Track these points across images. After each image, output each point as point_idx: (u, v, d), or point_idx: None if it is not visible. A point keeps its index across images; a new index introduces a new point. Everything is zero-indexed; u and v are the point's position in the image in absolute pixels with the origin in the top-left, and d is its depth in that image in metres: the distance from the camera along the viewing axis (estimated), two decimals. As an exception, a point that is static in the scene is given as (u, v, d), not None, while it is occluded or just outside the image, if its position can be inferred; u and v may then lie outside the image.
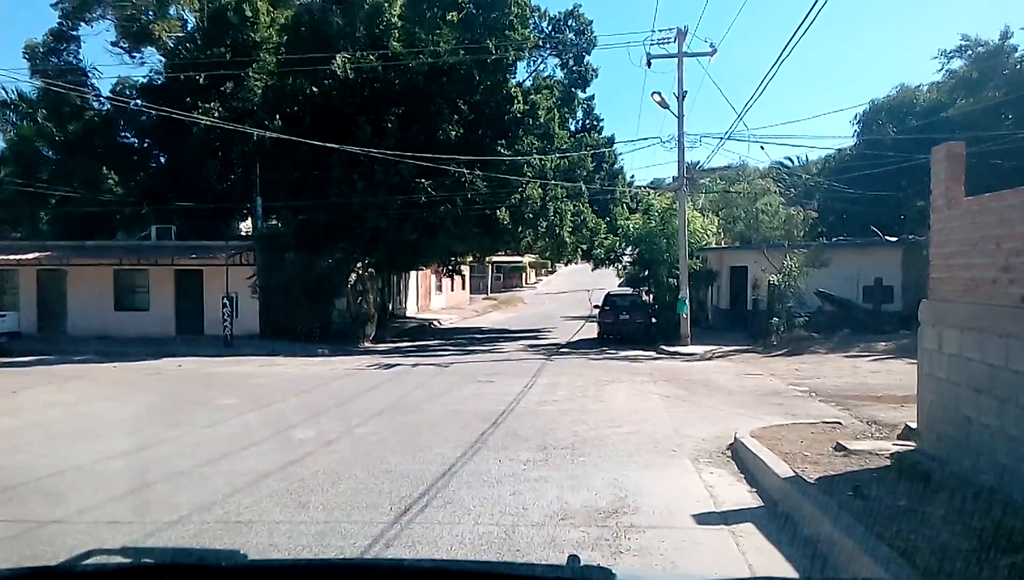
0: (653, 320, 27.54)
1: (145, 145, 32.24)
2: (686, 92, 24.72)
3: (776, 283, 23.53)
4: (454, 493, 6.81)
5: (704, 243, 29.59)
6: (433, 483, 7.15)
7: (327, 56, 26.27)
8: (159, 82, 29.81)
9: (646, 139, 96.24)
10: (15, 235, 30.45)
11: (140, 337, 25.89)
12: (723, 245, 30.74)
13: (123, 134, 31.88)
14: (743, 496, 6.71)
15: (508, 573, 2.34)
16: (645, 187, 37.54)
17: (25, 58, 29.17)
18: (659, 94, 24.98)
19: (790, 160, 43.94)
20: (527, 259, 65.68)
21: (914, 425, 8.05)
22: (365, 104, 27.00)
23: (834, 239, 29.47)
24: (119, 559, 1.97)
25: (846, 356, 20.16)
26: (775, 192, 26.08)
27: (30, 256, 26.87)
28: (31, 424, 11.49)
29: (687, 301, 24.41)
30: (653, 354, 22.59)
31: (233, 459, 8.57)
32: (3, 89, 31.04)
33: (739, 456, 8.09)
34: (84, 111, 30.43)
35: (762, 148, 47.31)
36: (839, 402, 12.59)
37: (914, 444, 7.54)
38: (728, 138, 25.94)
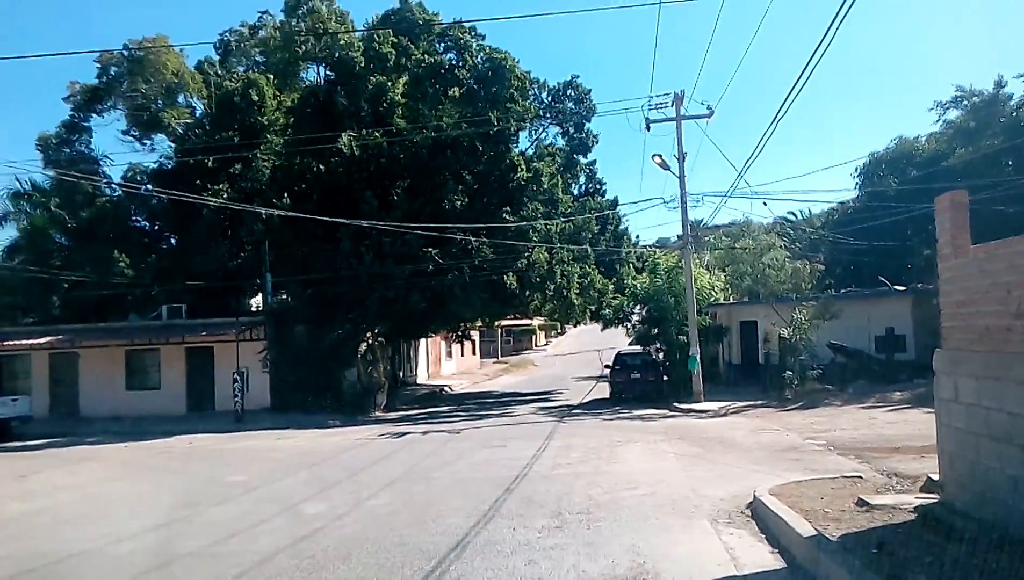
0: (665, 378, 27.35)
1: (156, 228, 32.89)
2: (686, 153, 25.06)
3: (787, 337, 23.37)
4: (467, 565, 6.65)
5: (712, 299, 29.54)
6: (446, 555, 6.99)
7: (333, 135, 26.88)
8: (169, 167, 30.54)
9: (649, 200, 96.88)
10: (27, 320, 30.73)
11: (152, 415, 25.87)
12: (731, 301, 30.66)
13: (134, 218, 32.55)
14: (765, 558, 6.51)
15: None
16: (651, 247, 37.79)
17: (38, 149, 30.05)
18: (660, 156, 25.26)
19: (793, 215, 44.15)
20: (536, 322, 65.63)
21: (936, 477, 7.86)
22: (371, 179, 27.48)
23: (842, 291, 29.38)
24: None
25: (862, 407, 19.89)
26: (781, 247, 26.11)
27: (42, 340, 27.08)
28: (40, 509, 11.36)
29: (698, 358, 24.24)
30: (666, 412, 22.33)
31: (243, 537, 8.43)
32: (17, 180, 31.86)
33: (759, 515, 7.89)
34: (96, 198, 31.13)
35: (765, 204, 47.65)
36: (858, 455, 12.35)
37: (937, 497, 7.35)
38: (730, 196, 26.18)
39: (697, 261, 28.71)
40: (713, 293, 29.58)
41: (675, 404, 23.35)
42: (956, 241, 7.12)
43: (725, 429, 17.34)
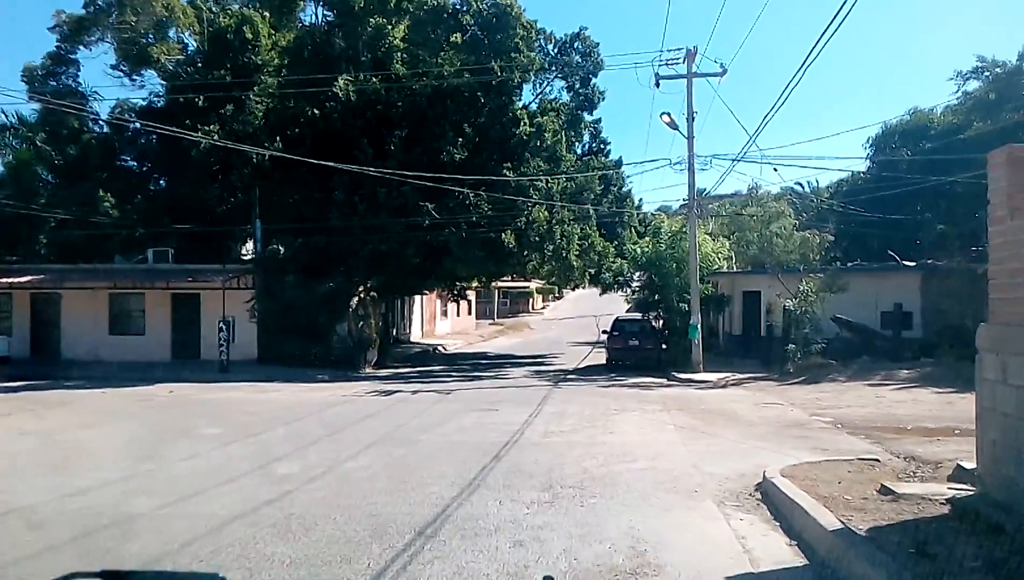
0: (663, 346, 26.67)
1: (144, 169, 31.74)
2: (696, 112, 24.07)
3: (792, 308, 22.62)
4: (445, 544, 5.91)
5: (715, 267, 28.73)
6: (422, 530, 6.24)
7: (329, 78, 25.74)
8: (159, 105, 29.30)
9: (655, 160, 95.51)
10: (11, 259, 29.78)
11: (135, 362, 25.13)
12: (735, 269, 29.86)
13: (122, 158, 31.40)
14: (782, 551, 5.77)
15: None
16: (654, 213, 36.82)
17: (23, 81, 28.75)
18: (668, 115, 24.39)
19: (800, 185, 43.17)
20: (533, 284, 65.02)
21: (967, 464, 7.14)
22: (368, 126, 26.38)
23: (849, 264, 28.58)
24: None
25: (867, 384, 19.21)
26: (789, 215, 25.22)
27: (23, 279, 26.19)
28: (-4, 456, 10.64)
29: (699, 326, 23.51)
30: (664, 381, 21.68)
31: (202, 498, 7.69)
32: (3, 113, 30.63)
33: (770, 499, 7.17)
34: (82, 134, 29.93)
35: (775, 170, 46.51)
36: (868, 435, 11.66)
37: (973, 488, 6.62)
38: (740, 160, 25.08)
39: (701, 228, 27.81)
40: (717, 261, 28.75)
41: (673, 373, 22.68)
42: (1012, 201, 6.25)
43: (726, 401, 16.66)
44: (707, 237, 29.44)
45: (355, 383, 22.12)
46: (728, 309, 29.44)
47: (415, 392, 19.44)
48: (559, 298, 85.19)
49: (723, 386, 20.28)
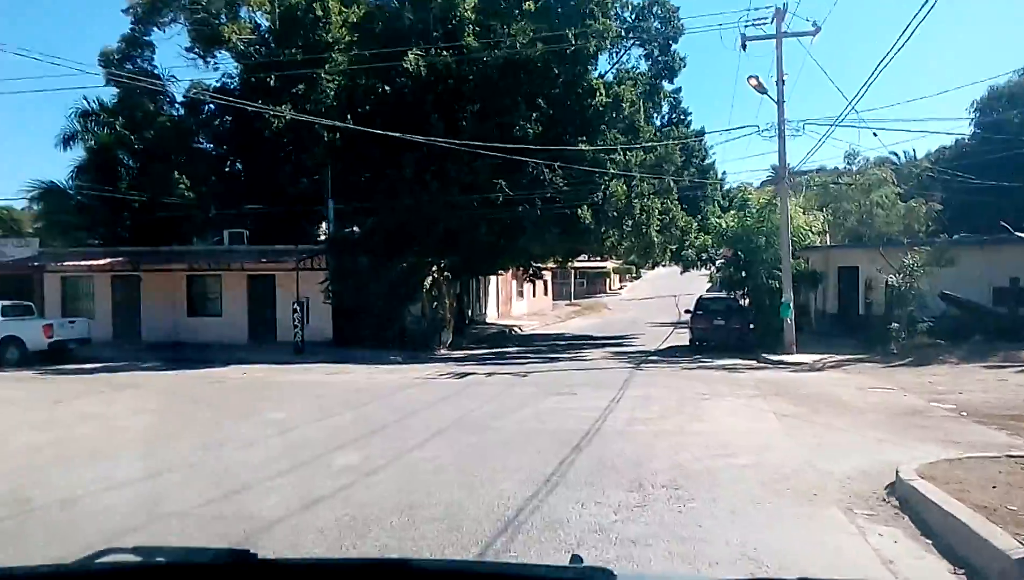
0: (751, 326, 25.03)
1: (222, 150, 31.83)
2: (786, 75, 22.31)
3: (895, 284, 20.78)
4: (516, 562, 4.92)
5: (807, 242, 26.85)
6: (490, 543, 5.26)
7: (399, 53, 24.98)
8: (232, 87, 29.18)
9: (742, 127, 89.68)
10: (93, 242, 30.31)
11: (213, 343, 25.14)
12: (829, 244, 27.87)
13: (198, 140, 31.56)
14: (946, 581, 4.56)
15: (509, 573, 2.36)
16: (739, 186, 34.94)
17: (101, 65, 28.93)
18: (756, 78, 22.58)
19: (895, 154, 40.43)
20: (610, 264, 63.60)
21: None
22: (438, 101, 25.58)
23: (955, 236, 26.33)
24: (132, 557, 2.00)
25: (985, 366, 17.38)
26: (893, 182, 23.19)
27: (103, 262, 26.47)
28: (51, 441, 10.19)
29: (791, 304, 21.88)
30: (754, 363, 20.20)
31: (250, 494, 6.92)
32: (85, 99, 31.05)
33: (912, 507, 5.91)
34: (158, 117, 30.12)
35: (875, 135, 43.55)
36: (1002, 425, 10.16)
37: None
38: (838, 124, 22.91)
39: (792, 199, 25.99)
40: (808, 235, 26.85)
41: (763, 355, 21.10)
42: None
43: (826, 385, 15.17)
44: (798, 209, 27.56)
45: (429, 365, 21.46)
46: (822, 286, 27.53)
47: (490, 374, 18.59)
48: (636, 278, 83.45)
49: (820, 369, 18.70)
